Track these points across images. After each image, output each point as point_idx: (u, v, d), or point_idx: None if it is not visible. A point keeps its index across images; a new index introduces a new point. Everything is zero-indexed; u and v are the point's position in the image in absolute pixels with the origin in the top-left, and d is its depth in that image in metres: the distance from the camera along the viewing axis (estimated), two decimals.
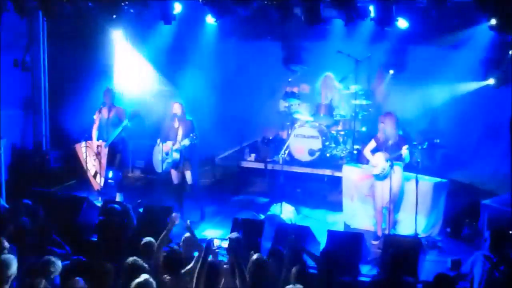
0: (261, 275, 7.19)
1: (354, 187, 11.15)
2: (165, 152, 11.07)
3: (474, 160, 12.68)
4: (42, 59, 12.91)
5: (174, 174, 11.35)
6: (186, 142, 10.93)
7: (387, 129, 10.20)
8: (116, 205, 9.62)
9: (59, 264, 7.24)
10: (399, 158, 10.16)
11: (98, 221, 9.22)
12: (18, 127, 12.70)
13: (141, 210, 10.46)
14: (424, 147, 10.19)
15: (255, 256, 7.32)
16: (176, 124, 11.18)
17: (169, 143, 11.09)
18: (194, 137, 10.85)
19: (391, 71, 13.45)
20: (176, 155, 11.11)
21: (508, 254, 7.98)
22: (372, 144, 10.53)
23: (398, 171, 10.20)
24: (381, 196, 10.30)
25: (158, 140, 11.17)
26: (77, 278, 6.84)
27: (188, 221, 8.44)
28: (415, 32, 12.37)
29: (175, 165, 11.22)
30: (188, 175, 11.25)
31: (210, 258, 7.39)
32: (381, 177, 10.24)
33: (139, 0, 11.38)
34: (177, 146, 11.02)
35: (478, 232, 10.20)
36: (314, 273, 7.87)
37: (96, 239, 9.50)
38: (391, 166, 10.04)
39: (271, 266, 7.52)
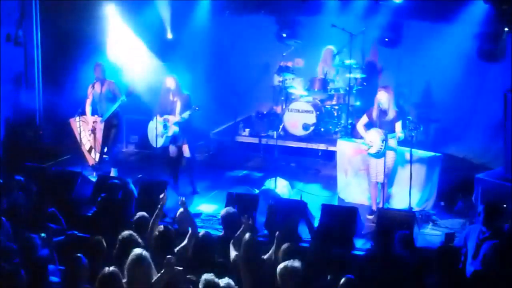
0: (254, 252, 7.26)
1: (348, 162, 11.14)
2: (163, 126, 11.00)
3: (467, 134, 12.72)
4: (35, 33, 12.80)
5: (171, 148, 11.28)
6: (186, 115, 10.88)
7: (383, 102, 10.10)
8: (116, 180, 9.59)
9: (36, 241, 7.21)
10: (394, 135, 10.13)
11: (100, 198, 9.16)
12: (11, 102, 12.62)
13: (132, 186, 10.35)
14: (421, 130, 10.23)
15: (247, 236, 7.36)
16: (172, 98, 11.10)
17: (167, 117, 11.03)
18: (197, 108, 10.79)
19: (386, 39, 13.36)
20: (175, 128, 11.05)
21: (501, 227, 8.02)
22: (364, 119, 10.35)
23: (392, 146, 10.19)
24: (375, 171, 10.28)
25: (157, 117, 11.03)
26: (79, 255, 6.77)
27: (183, 198, 8.41)
28: (409, 6, 12.35)
29: (174, 139, 11.17)
30: (186, 149, 11.21)
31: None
32: (377, 156, 10.20)
33: None
34: (177, 119, 10.95)
35: (472, 205, 10.23)
36: (307, 247, 7.89)
37: (93, 215, 9.45)
38: (386, 144, 10.00)
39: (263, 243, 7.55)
